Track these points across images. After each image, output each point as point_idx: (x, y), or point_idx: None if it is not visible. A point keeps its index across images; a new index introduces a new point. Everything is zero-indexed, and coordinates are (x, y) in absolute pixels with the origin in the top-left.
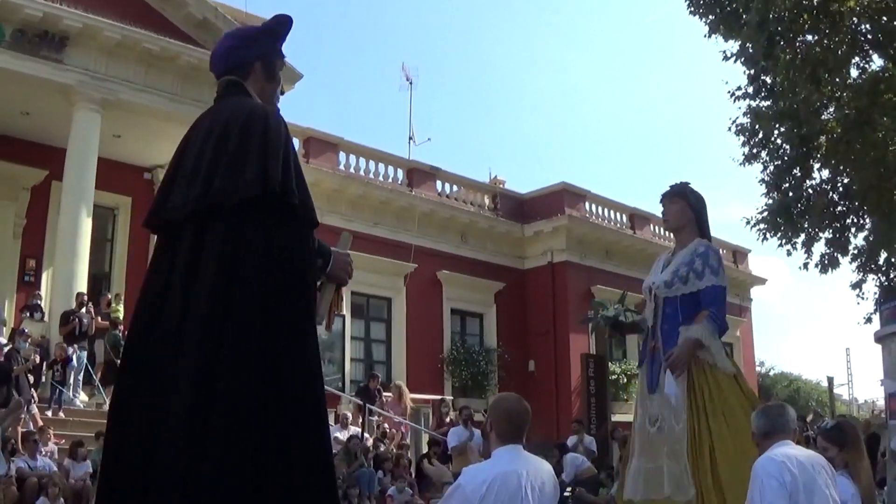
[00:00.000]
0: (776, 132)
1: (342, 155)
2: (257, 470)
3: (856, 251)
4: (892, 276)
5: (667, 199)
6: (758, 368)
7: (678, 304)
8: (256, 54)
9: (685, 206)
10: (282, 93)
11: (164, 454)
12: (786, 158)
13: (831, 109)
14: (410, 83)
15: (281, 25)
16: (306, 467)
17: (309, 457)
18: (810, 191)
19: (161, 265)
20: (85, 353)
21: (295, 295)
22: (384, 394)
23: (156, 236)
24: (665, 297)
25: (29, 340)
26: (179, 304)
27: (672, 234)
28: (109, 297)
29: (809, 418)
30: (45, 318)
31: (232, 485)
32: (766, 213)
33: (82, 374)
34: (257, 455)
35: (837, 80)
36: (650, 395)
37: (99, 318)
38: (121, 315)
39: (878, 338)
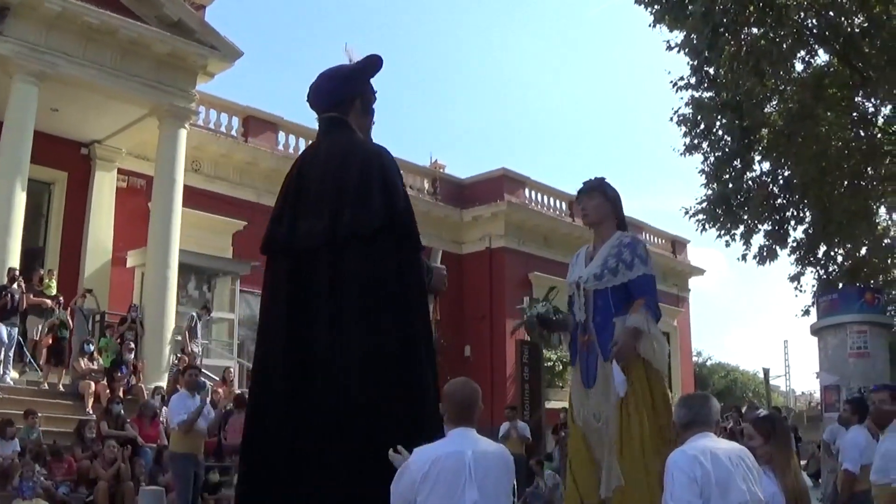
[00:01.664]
0: (718, 123)
1: (281, 135)
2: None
3: (795, 244)
4: (830, 269)
5: (585, 194)
6: (695, 359)
7: (609, 296)
8: (356, 93)
9: (603, 200)
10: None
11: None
12: (727, 150)
13: (774, 102)
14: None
15: (375, 66)
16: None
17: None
18: (750, 183)
19: (295, 285)
20: (16, 330)
21: (423, 307)
22: None
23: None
24: (595, 289)
25: None
26: (327, 315)
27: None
28: (42, 272)
29: (744, 409)
30: None
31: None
32: (705, 204)
33: (13, 350)
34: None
35: (781, 73)
36: (588, 390)
37: (31, 295)
38: (53, 291)
39: (815, 330)
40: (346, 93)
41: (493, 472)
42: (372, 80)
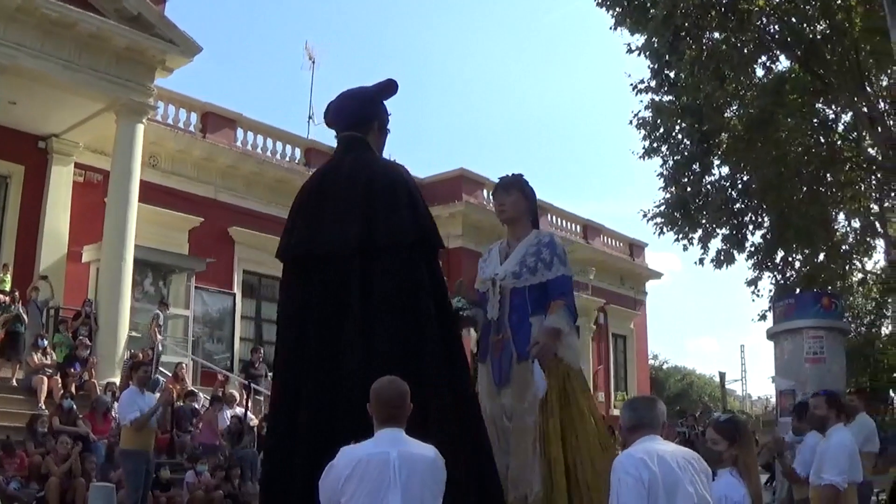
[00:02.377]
0: (677, 127)
1: (240, 131)
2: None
3: (752, 248)
4: (787, 274)
5: (502, 190)
6: (651, 362)
7: (526, 295)
8: (375, 114)
9: (521, 197)
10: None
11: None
12: (686, 153)
13: (734, 107)
14: (313, 62)
15: (391, 90)
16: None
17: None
18: (709, 187)
19: (323, 288)
20: None
21: (447, 308)
22: (270, 374)
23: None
24: (513, 287)
25: None
26: (361, 318)
27: (507, 225)
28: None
29: (698, 414)
30: None
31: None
32: (663, 208)
33: None
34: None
35: (742, 78)
36: (499, 388)
37: None
38: (7, 286)
39: (771, 335)
40: (366, 114)
41: (418, 476)
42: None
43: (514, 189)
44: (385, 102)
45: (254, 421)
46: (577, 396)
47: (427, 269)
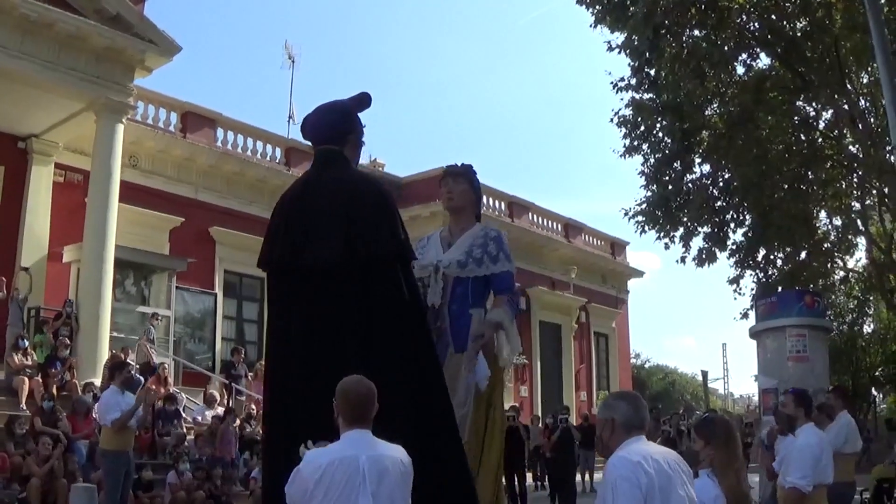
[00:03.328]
0: (658, 125)
1: (220, 131)
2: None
3: (734, 247)
4: (769, 272)
5: (451, 177)
6: (633, 360)
7: (469, 286)
8: (351, 127)
9: (469, 188)
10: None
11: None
12: (667, 151)
13: (715, 105)
14: (293, 62)
15: (366, 103)
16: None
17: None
18: (690, 185)
19: (309, 303)
20: None
21: (427, 324)
22: (250, 374)
23: (266, 274)
24: (456, 276)
25: None
26: (362, 326)
27: (451, 213)
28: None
29: (681, 411)
30: None
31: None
32: (644, 206)
33: None
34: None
35: (722, 76)
36: None
37: None
38: None
39: (753, 333)
40: (343, 127)
41: (388, 478)
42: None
43: (463, 179)
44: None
45: (235, 422)
46: (496, 392)
47: (406, 281)
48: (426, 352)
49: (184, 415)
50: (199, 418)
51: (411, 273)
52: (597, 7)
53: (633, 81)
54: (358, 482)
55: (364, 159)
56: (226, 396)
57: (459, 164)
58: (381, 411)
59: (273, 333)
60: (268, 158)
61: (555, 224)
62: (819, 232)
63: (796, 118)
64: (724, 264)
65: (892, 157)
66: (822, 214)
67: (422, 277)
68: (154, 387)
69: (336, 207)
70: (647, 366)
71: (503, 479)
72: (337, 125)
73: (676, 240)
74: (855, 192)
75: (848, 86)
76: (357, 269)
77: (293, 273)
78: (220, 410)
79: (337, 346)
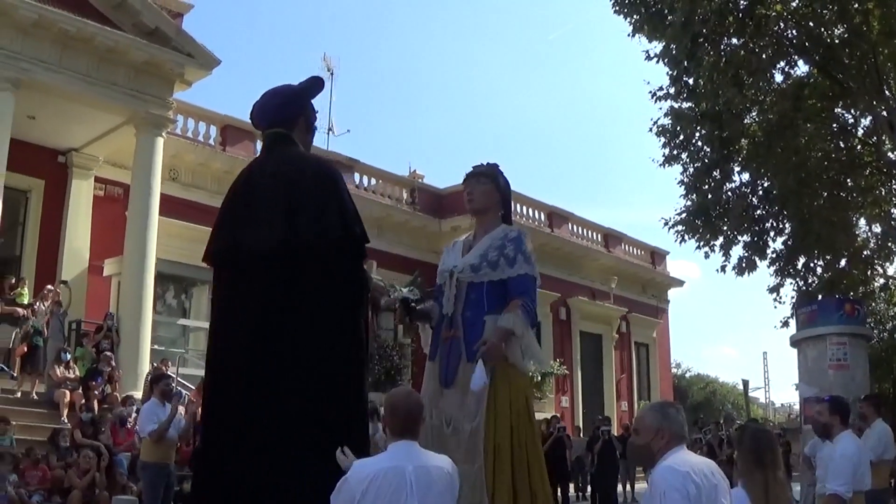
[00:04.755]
0: (697, 134)
1: (259, 143)
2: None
3: (774, 255)
4: (809, 280)
5: (473, 178)
6: (674, 370)
7: (484, 291)
8: (300, 111)
9: (493, 188)
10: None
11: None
12: (706, 160)
13: (754, 113)
14: (331, 74)
15: (317, 87)
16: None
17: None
18: (730, 194)
19: (246, 293)
20: None
21: (365, 315)
22: None
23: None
24: (470, 282)
25: None
26: (289, 320)
27: (476, 218)
28: (12, 280)
29: (721, 421)
30: None
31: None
32: (684, 215)
33: None
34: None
35: (761, 83)
36: (445, 390)
37: (2, 304)
38: (25, 299)
39: (794, 342)
40: (291, 111)
41: (435, 489)
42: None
43: (486, 179)
44: (312, 102)
45: None
46: (517, 402)
47: (351, 268)
48: (343, 354)
49: None
50: None
51: (359, 264)
52: (635, 16)
53: (672, 90)
54: (405, 493)
55: (403, 171)
56: None
57: (484, 164)
58: (266, 412)
59: (212, 329)
60: None
61: (594, 234)
62: (859, 239)
63: (835, 125)
64: (764, 273)
65: None
66: (862, 222)
67: (440, 285)
68: (195, 398)
69: (278, 191)
70: (687, 375)
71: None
72: (285, 108)
73: (716, 249)
74: (894, 198)
75: (886, 92)
76: (294, 257)
77: (235, 264)
78: None
79: (259, 342)
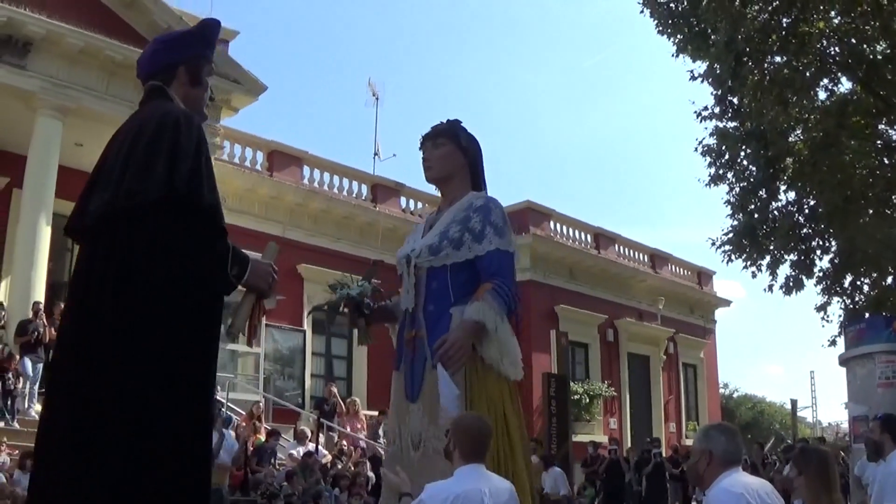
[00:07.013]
0: (742, 153)
1: (306, 169)
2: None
3: (821, 273)
4: (856, 298)
5: (429, 141)
6: (721, 391)
7: (448, 277)
8: (181, 59)
9: (453, 149)
10: (211, 99)
11: (58, 463)
12: (752, 180)
13: (798, 131)
14: (377, 99)
15: (209, 29)
16: (180, 473)
17: (183, 462)
18: (776, 212)
19: (78, 275)
20: (41, 364)
21: (195, 301)
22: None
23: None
24: (430, 267)
25: None
26: (89, 312)
27: (441, 193)
28: (62, 305)
29: (768, 446)
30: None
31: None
32: (731, 235)
33: (37, 385)
34: (135, 459)
35: (805, 101)
36: (411, 405)
37: (53, 329)
38: None
39: (843, 360)
40: (168, 60)
41: None
42: (211, 51)
43: (444, 139)
44: (207, 50)
45: (326, 457)
46: (507, 416)
47: (174, 236)
48: (146, 350)
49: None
50: (294, 453)
51: (202, 227)
52: (678, 36)
53: (717, 110)
54: None
55: None
56: (316, 432)
57: (444, 121)
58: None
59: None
60: (354, 195)
61: (641, 255)
62: None
63: (879, 142)
64: (810, 291)
65: None
66: None
67: (400, 274)
68: (245, 423)
69: (121, 149)
70: (735, 395)
71: None
72: (160, 58)
73: (763, 268)
74: None
75: None
76: (111, 223)
77: (81, 234)
78: (312, 447)
79: (77, 322)
